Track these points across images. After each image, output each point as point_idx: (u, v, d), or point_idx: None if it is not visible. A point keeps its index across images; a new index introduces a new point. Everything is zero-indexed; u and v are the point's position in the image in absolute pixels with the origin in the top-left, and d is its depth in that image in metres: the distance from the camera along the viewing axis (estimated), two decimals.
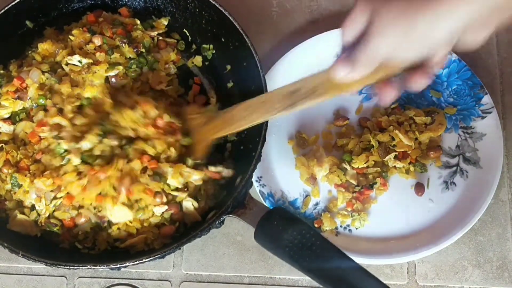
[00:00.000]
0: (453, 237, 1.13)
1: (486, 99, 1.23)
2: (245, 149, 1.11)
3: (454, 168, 1.22)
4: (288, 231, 0.95)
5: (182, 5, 1.21)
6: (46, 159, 1.06)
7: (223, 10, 1.14)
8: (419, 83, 0.85)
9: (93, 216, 1.06)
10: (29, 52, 1.18)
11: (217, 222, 1.01)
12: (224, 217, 1.02)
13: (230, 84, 1.20)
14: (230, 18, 1.13)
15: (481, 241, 1.19)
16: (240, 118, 1.05)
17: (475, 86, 1.24)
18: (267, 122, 1.05)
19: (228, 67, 1.20)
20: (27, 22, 1.20)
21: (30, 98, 1.11)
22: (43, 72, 1.12)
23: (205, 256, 1.19)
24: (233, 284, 1.17)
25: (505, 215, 1.21)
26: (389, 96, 0.87)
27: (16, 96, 1.11)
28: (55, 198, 1.05)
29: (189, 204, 1.07)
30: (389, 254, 1.14)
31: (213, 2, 1.14)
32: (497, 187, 1.16)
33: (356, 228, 1.18)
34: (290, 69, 1.27)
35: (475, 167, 1.21)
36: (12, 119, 1.12)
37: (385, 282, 1.15)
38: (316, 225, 1.17)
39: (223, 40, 1.17)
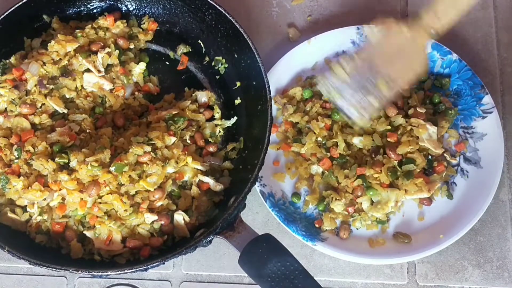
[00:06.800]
0: (453, 237, 1.13)
1: (487, 99, 1.23)
2: (244, 169, 1.11)
3: (455, 168, 1.21)
4: (272, 260, 0.95)
5: (200, 16, 1.22)
6: (37, 164, 1.06)
7: (238, 27, 1.14)
8: None
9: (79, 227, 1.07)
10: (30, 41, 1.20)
11: (204, 241, 1.01)
12: (212, 237, 1.02)
13: (237, 101, 1.20)
14: (245, 35, 1.14)
15: (481, 241, 1.19)
16: None
17: (475, 86, 1.24)
18: (267, 146, 1.06)
19: (238, 83, 1.20)
20: (45, 16, 1.21)
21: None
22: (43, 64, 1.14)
23: (205, 256, 1.18)
24: (233, 284, 1.17)
25: (505, 215, 1.21)
26: None
27: (14, 85, 1.12)
28: (47, 205, 1.05)
29: (180, 217, 1.07)
30: (389, 254, 1.14)
31: (230, 18, 1.15)
32: (497, 187, 1.16)
33: (357, 228, 1.18)
34: (290, 69, 1.27)
35: (475, 167, 1.20)
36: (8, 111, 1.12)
37: (385, 282, 1.17)
38: (316, 225, 1.17)
39: (235, 56, 1.18)
